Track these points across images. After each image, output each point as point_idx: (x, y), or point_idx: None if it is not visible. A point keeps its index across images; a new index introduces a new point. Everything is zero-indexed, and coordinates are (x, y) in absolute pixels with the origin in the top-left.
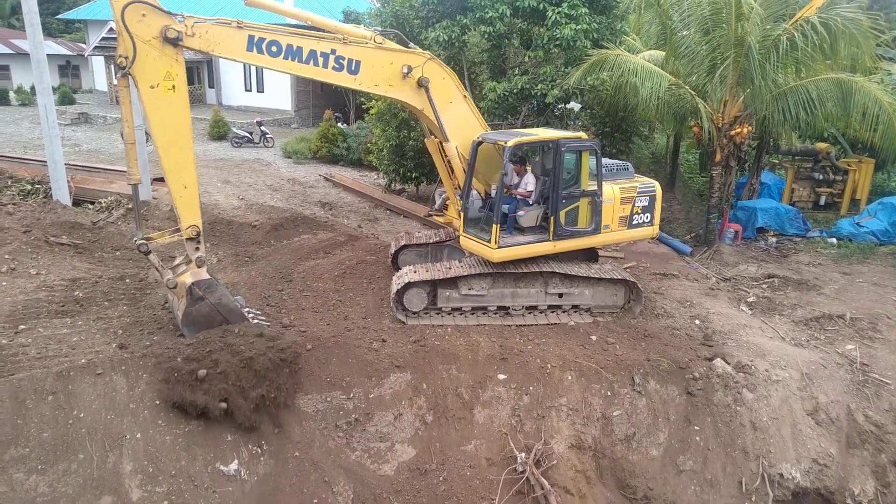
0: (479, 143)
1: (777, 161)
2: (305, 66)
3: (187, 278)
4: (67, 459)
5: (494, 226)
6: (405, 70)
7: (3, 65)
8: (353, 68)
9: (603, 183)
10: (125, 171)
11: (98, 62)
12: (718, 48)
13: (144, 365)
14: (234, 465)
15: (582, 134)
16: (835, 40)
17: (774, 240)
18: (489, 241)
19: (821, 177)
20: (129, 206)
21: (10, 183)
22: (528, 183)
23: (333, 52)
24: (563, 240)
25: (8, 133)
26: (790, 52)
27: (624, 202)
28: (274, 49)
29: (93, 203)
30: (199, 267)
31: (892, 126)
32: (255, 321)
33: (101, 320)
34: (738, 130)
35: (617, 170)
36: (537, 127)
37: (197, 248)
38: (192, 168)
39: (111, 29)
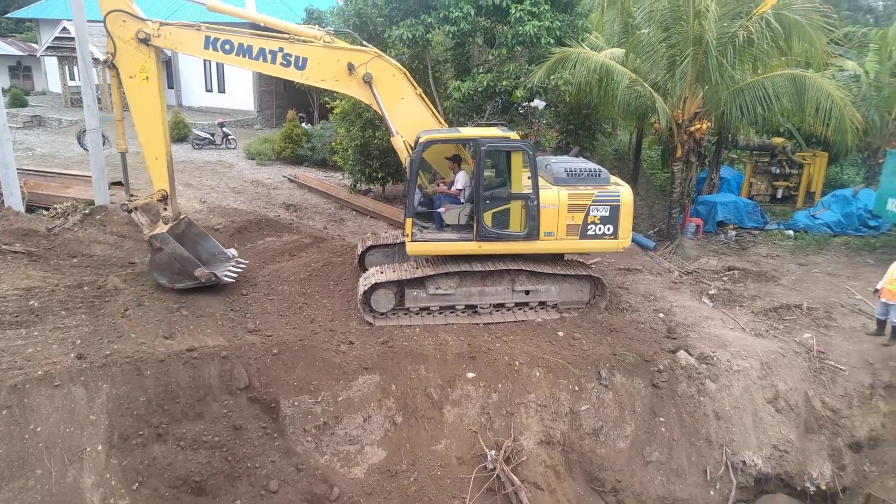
0: (418, 140)
1: (735, 156)
2: (255, 62)
3: (153, 232)
4: (24, 476)
5: (407, 220)
6: (349, 67)
7: None
8: (300, 64)
9: (549, 187)
10: (82, 176)
11: (51, 63)
12: (677, 45)
13: (105, 374)
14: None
15: (512, 134)
16: (789, 36)
17: (734, 233)
18: (405, 235)
19: (777, 171)
20: (87, 210)
21: None
22: (458, 181)
23: (281, 49)
24: (488, 241)
25: None
26: (747, 49)
27: (573, 210)
28: (227, 47)
29: (47, 209)
30: (165, 224)
31: (843, 120)
32: (224, 272)
33: (58, 330)
34: (698, 126)
35: (588, 175)
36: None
37: (165, 209)
38: (162, 143)
39: (64, 28)
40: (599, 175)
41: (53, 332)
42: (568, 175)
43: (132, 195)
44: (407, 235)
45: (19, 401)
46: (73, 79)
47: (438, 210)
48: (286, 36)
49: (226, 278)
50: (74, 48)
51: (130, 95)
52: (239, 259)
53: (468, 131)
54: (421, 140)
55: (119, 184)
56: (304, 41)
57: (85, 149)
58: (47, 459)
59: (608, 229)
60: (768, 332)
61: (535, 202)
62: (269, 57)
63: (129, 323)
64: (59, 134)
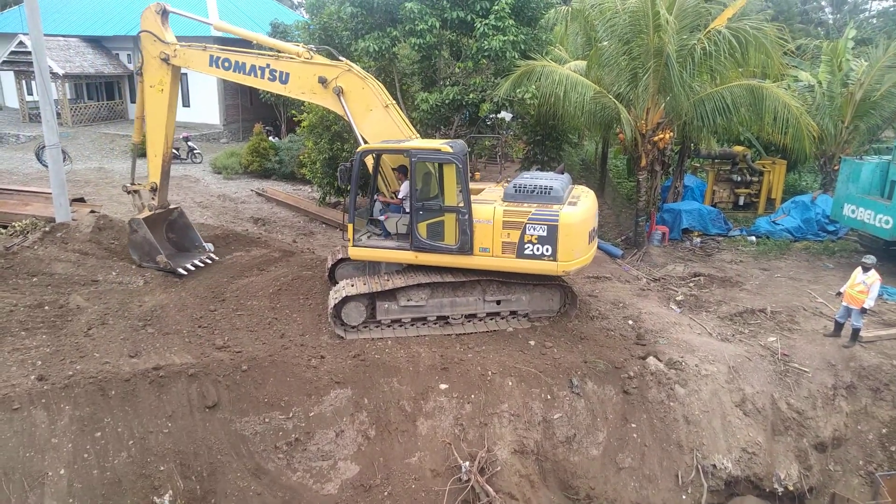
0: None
1: (698, 164)
2: (248, 77)
3: (134, 216)
4: None
5: (349, 225)
6: (321, 80)
7: None
8: (283, 79)
9: (488, 203)
10: (41, 193)
11: (7, 78)
12: (639, 58)
13: (67, 396)
14: (168, 497)
15: (443, 146)
16: (745, 49)
17: (699, 240)
18: (347, 239)
19: (739, 178)
20: (47, 228)
21: None
22: (402, 190)
23: (268, 66)
24: (423, 252)
25: None
26: (705, 61)
27: (509, 227)
28: (226, 64)
29: (6, 227)
30: (149, 211)
31: (800, 129)
32: (185, 264)
33: (18, 351)
34: (661, 136)
35: (538, 193)
36: (468, 137)
37: (152, 198)
38: (162, 144)
39: (21, 42)
40: (548, 193)
41: (12, 353)
42: (516, 191)
43: (135, 183)
44: (349, 240)
45: None
46: (30, 93)
47: (379, 218)
48: (273, 53)
49: (180, 270)
50: (31, 62)
51: (147, 101)
52: (211, 255)
53: (407, 143)
54: (359, 150)
55: (81, 200)
56: (287, 58)
57: (44, 165)
58: (5, 486)
59: (546, 250)
60: (734, 336)
61: (467, 216)
62: (258, 72)
63: (92, 342)
64: (17, 150)
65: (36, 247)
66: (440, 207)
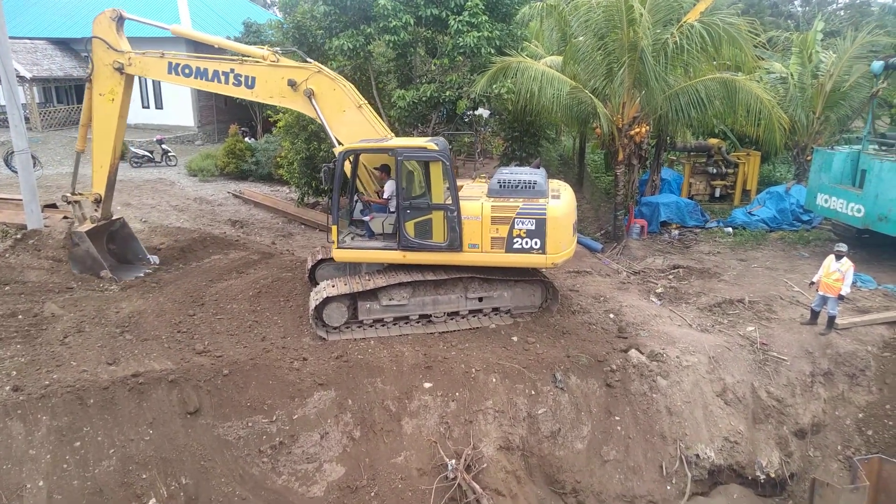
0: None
1: (675, 157)
2: (211, 83)
3: (74, 229)
4: None
5: (333, 227)
6: (290, 83)
7: None
8: (249, 83)
9: (474, 199)
10: (11, 199)
11: None
12: (614, 52)
13: (44, 406)
14: None
15: (428, 144)
16: (718, 43)
17: (677, 232)
18: (331, 241)
19: (714, 171)
20: (18, 235)
21: None
22: (386, 190)
23: (232, 70)
24: (411, 251)
25: None
26: (678, 55)
27: (497, 222)
28: (187, 71)
29: None
30: (92, 223)
31: (771, 121)
32: (133, 276)
33: None
34: (637, 130)
35: (522, 187)
36: (445, 134)
37: (96, 210)
38: (109, 155)
39: None
40: (533, 187)
41: None
42: (500, 187)
43: (76, 192)
44: (333, 241)
45: None
46: None
47: (364, 218)
48: (237, 57)
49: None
50: None
51: (96, 109)
52: (157, 267)
53: (392, 141)
54: (341, 149)
55: (53, 206)
56: (252, 61)
57: (13, 171)
58: None
59: (535, 243)
60: (714, 326)
61: (455, 213)
62: (222, 78)
63: (69, 350)
64: None
65: (7, 255)
66: (428, 205)
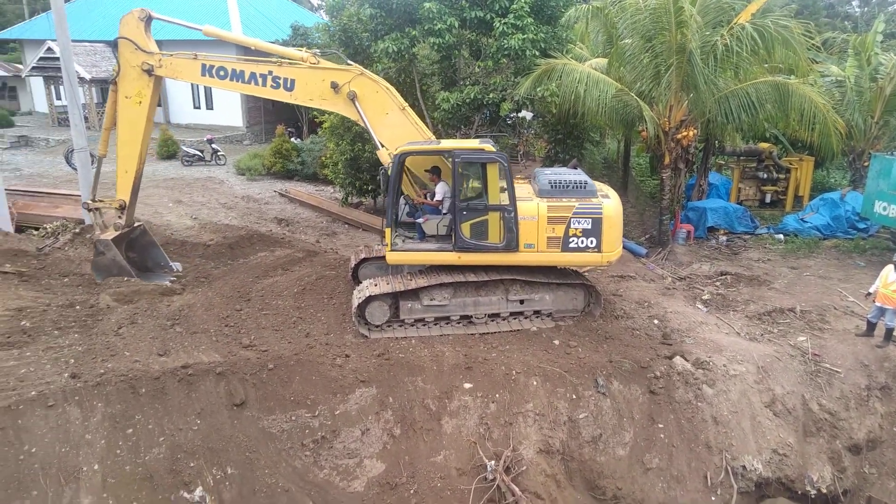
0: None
1: (723, 162)
2: (248, 86)
3: (98, 236)
4: (20, 497)
5: (386, 229)
6: (332, 86)
7: None
8: (288, 86)
9: (530, 199)
10: (71, 195)
11: (37, 83)
12: (661, 55)
13: (99, 393)
14: (198, 492)
15: (486, 145)
16: (770, 46)
17: (725, 238)
18: (384, 244)
19: (765, 176)
20: (77, 230)
21: None
22: (438, 192)
23: (270, 73)
24: (467, 252)
25: None
26: (728, 58)
27: (553, 222)
28: (221, 73)
29: (37, 229)
30: (115, 230)
31: (827, 125)
32: (158, 280)
33: (51, 350)
34: (685, 134)
35: (573, 187)
36: (488, 136)
37: (120, 217)
38: (136, 161)
39: (49, 48)
40: (584, 187)
41: (46, 351)
42: (552, 187)
43: (97, 199)
44: (386, 245)
45: (13, 422)
46: (59, 98)
47: (418, 221)
48: (275, 59)
49: None
50: (60, 68)
51: (121, 113)
52: (180, 275)
53: (446, 143)
54: (397, 152)
55: None
56: (292, 63)
57: (73, 168)
58: (43, 480)
59: (591, 242)
60: (763, 336)
61: (513, 213)
62: (259, 80)
63: (122, 341)
64: (47, 154)
65: (66, 248)
66: (485, 206)
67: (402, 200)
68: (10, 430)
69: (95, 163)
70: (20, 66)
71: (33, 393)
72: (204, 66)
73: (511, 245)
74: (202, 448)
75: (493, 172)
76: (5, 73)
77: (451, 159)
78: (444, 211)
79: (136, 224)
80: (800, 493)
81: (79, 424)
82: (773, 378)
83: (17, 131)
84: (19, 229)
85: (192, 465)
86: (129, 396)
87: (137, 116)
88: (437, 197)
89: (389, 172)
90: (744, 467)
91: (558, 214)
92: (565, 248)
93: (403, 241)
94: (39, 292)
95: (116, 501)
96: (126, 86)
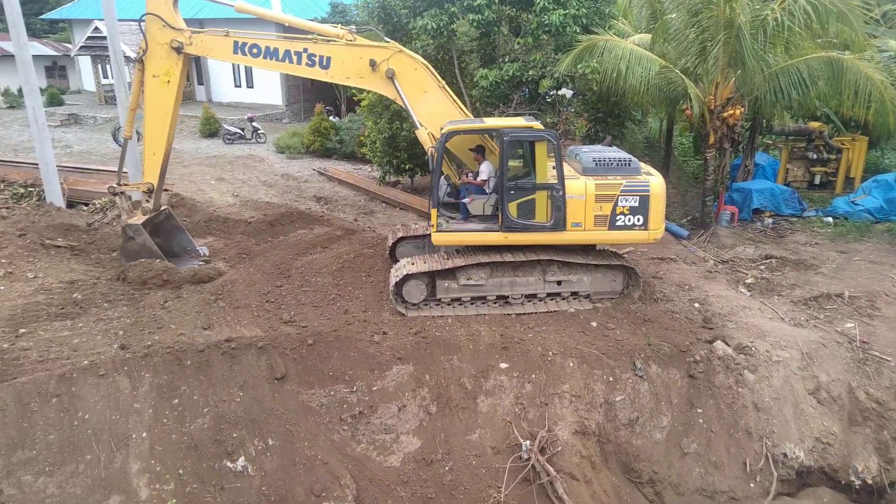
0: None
1: (770, 142)
2: (282, 64)
3: (127, 221)
4: (75, 461)
5: (432, 210)
6: (371, 63)
7: None
8: (324, 63)
9: (577, 177)
10: (112, 171)
11: (85, 62)
12: (708, 30)
13: (147, 364)
14: (241, 462)
15: (535, 124)
16: (825, 20)
17: (771, 220)
18: (430, 225)
19: (815, 156)
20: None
21: (2, 187)
22: (483, 172)
23: (305, 50)
24: (513, 232)
25: None
26: (779, 33)
27: (601, 200)
28: (255, 51)
29: (87, 204)
30: (143, 215)
31: (884, 103)
32: (186, 266)
33: (102, 321)
34: (731, 112)
35: (618, 165)
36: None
37: (147, 201)
38: (164, 142)
39: (96, 28)
40: (629, 164)
41: (97, 323)
42: (597, 165)
43: (123, 183)
44: (433, 225)
45: (68, 389)
46: (106, 77)
47: (464, 201)
48: (310, 36)
49: None
50: (107, 47)
51: (149, 93)
52: (208, 259)
53: (491, 121)
54: (444, 131)
55: None
56: (327, 40)
57: (120, 145)
58: (95, 445)
59: (638, 220)
60: (808, 321)
61: (561, 192)
62: (294, 58)
63: (168, 314)
64: (95, 131)
65: (115, 223)
66: (533, 185)
67: (441, 180)
68: (65, 396)
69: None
70: (69, 46)
71: (86, 362)
72: (236, 43)
73: (559, 224)
74: (244, 419)
75: (541, 150)
76: (55, 53)
77: (499, 138)
78: (489, 191)
79: (161, 207)
80: (843, 483)
81: (128, 393)
82: (818, 365)
83: (67, 109)
84: (70, 205)
85: (234, 435)
86: (175, 368)
87: (165, 96)
88: (483, 177)
89: (434, 151)
90: (785, 455)
91: (606, 192)
92: (612, 226)
93: (447, 221)
94: (90, 266)
95: (164, 468)
96: (153, 64)
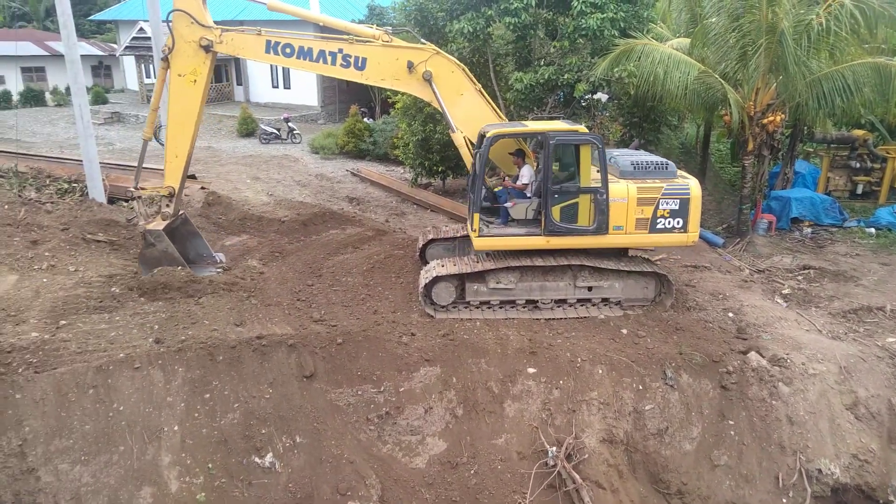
0: (484, 135)
1: (811, 149)
2: (316, 64)
3: (149, 226)
4: (109, 451)
5: (475, 215)
6: (408, 65)
7: (38, 66)
8: (359, 65)
9: (618, 181)
10: (158, 169)
11: (129, 62)
12: (749, 35)
13: (180, 359)
14: (269, 458)
15: (580, 127)
16: (873, 24)
17: (810, 230)
18: (472, 230)
19: (858, 165)
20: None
21: (48, 182)
22: (524, 175)
23: (340, 51)
24: (556, 236)
25: (45, 133)
26: (824, 38)
27: (643, 203)
28: (288, 50)
29: (127, 201)
30: (163, 220)
31: None
32: (205, 273)
33: (138, 315)
34: (771, 119)
35: (655, 168)
36: (563, 118)
37: (168, 205)
38: (187, 144)
39: (141, 28)
40: (666, 168)
41: (133, 317)
42: (635, 168)
43: (141, 186)
44: (474, 230)
45: (104, 381)
46: (149, 76)
47: (506, 205)
48: (345, 37)
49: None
50: (151, 47)
51: (174, 92)
52: (224, 265)
53: (535, 125)
54: (489, 134)
55: (192, 177)
56: (363, 41)
57: (161, 143)
58: (129, 437)
59: (678, 223)
60: (847, 334)
61: (605, 196)
62: (328, 59)
63: (202, 310)
64: (137, 129)
65: (134, 226)
66: (577, 189)
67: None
68: (101, 388)
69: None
70: (115, 46)
71: (122, 355)
72: (268, 42)
73: (602, 228)
74: (273, 416)
75: (585, 154)
76: (101, 53)
77: (543, 141)
78: (529, 194)
79: (179, 212)
80: (882, 502)
81: (161, 387)
82: (856, 379)
83: (110, 108)
84: (111, 200)
85: (263, 431)
86: (208, 363)
87: (191, 96)
88: (525, 180)
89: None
90: (819, 471)
91: (648, 195)
92: (653, 229)
93: (487, 226)
94: (128, 261)
95: (194, 462)
96: (180, 63)
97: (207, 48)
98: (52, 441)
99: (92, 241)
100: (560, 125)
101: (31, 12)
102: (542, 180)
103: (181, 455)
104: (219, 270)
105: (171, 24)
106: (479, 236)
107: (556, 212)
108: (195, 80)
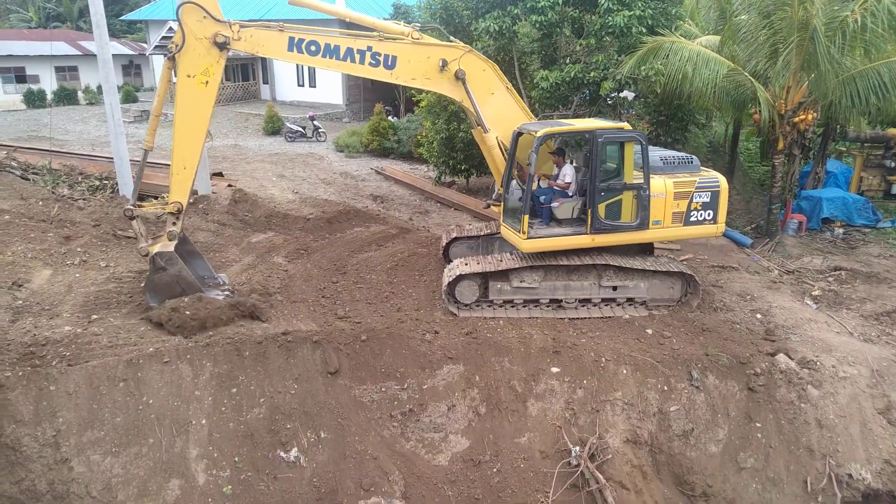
0: (519, 134)
1: (844, 149)
2: (343, 63)
3: (154, 248)
4: (138, 443)
5: (524, 216)
6: (441, 64)
7: (72, 66)
8: (389, 63)
9: (654, 176)
10: (133, 190)
11: (158, 61)
12: (780, 32)
13: (208, 354)
14: (294, 452)
15: (624, 124)
16: None
17: (841, 231)
18: (520, 232)
19: (892, 164)
20: (191, 200)
21: (80, 179)
22: (566, 174)
23: (369, 48)
24: (602, 234)
25: (77, 131)
26: (859, 35)
27: (679, 197)
28: (313, 48)
29: (156, 197)
30: (169, 240)
31: None
32: (221, 295)
33: None
34: (802, 117)
35: (679, 163)
36: (588, 117)
37: (174, 224)
38: (197, 153)
39: (170, 28)
40: (692, 162)
41: None
42: (664, 164)
43: (138, 203)
44: (523, 233)
45: (134, 374)
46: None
47: (551, 205)
48: (374, 34)
49: None
50: None
51: (182, 95)
52: (228, 288)
53: (582, 123)
54: (539, 133)
55: (219, 174)
56: (392, 38)
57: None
58: (158, 429)
59: (709, 215)
60: (880, 337)
61: (647, 192)
62: (357, 57)
63: None
64: (166, 127)
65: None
66: (622, 186)
67: (513, 184)
68: (131, 381)
69: (209, 138)
70: (145, 45)
71: (151, 349)
72: (291, 39)
73: (644, 223)
74: (298, 411)
75: (629, 151)
76: (132, 52)
77: (590, 139)
78: (571, 193)
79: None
80: None
81: (189, 381)
82: (889, 383)
83: (140, 106)
84: (141, 197)
85: (288, 426)
86: (234, 358)
87: (202, 100)
88: (567, 179)
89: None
90: (850, 475)
91: (683, 190)
92: (687, 222)
93: (531, 227)
94: None
95: (221, 455)
96: (189, 62)
97: (223, 45)
98: (85, 432)
99: (122, 237)
100: (604, 123)
101: (66, 13)
102: (588, 178)
103: (208, 448)
104: (225, 293)
105: (180, 17)
106: (529, 238)
107: (601, 209)
108: (206, 82)
